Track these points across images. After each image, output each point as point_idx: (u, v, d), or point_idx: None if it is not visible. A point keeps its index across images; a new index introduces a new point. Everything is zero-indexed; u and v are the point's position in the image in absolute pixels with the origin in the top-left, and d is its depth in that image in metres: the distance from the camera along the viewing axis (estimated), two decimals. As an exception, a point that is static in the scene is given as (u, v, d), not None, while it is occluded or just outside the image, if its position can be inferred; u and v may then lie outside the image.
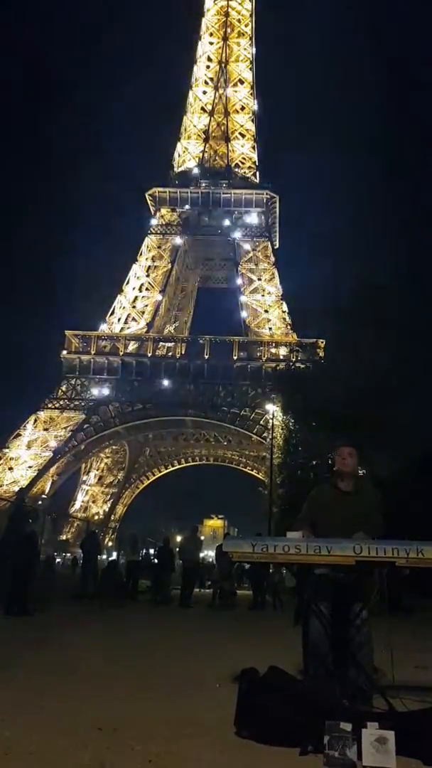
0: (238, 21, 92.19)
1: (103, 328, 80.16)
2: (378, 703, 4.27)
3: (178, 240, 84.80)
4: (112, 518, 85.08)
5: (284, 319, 78.61)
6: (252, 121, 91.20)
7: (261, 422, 66.34)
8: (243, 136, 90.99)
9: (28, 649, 7.29)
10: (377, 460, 18.24)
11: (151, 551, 30.78)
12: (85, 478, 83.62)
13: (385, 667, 4.93)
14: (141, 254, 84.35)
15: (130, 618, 12.89)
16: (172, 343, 79.83)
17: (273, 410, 33.05)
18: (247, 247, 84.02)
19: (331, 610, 4.67)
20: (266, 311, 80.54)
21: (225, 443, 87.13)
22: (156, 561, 20.93)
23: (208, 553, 45.37)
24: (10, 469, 72.38)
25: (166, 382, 74.68)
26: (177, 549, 19.70)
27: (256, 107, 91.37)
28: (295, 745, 3.53)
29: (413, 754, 3.41)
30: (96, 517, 77.73)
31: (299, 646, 5.24)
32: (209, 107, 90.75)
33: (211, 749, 3.57)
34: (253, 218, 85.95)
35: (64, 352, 77.77)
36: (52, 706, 4.49)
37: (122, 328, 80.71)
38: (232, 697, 4.14)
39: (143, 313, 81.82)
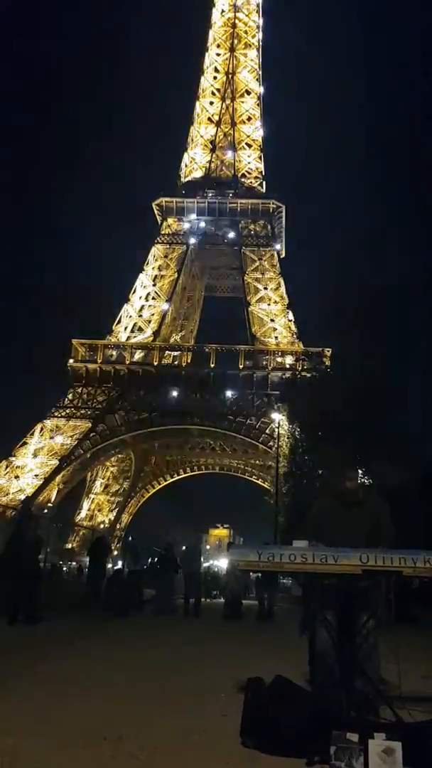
0: (245, 32, 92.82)
1: (110, 337, 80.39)
2: (385, 713, 4.23)
3: (184, 249, 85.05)
4: (118, 527, 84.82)
5: (290, 328, 78.66)
6: (258, 131, 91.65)
7: (267, 431, 66.21)
8: (249, 146, 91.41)
9: (33, 657, 7.27)
10: (383, 469, 18.18)
11: (156, 560, 30.61)
12: (90, 486, 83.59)
13: (392, 678, 4.89)
14: (147, 263, 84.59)
15: (134, 627, 12.83)
16: (178, 352, 79.83)
17: (279, 419, 33.00)
18: (253, 256, 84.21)
19: (338, 620, 4.64)
20: (272, 320, 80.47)
21: (231, 452, 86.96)
22: (160, 569, 20.80)
23: (213, 563, 45.24)
24: (16, 477, 72.38)
25: (172, 391, 74.67)
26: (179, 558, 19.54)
27: (262, 118, 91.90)
28: (301, 756, 3.50)
29: (420, 766, 3.38)
30: (102, 526, 77.54)
31: (306, 656, 5.22)
32: (216, 118, 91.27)
33: (216, 759, 3.55)
34: (259, 227, 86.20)
35: (71, 360, 77.89)
36: (57, 714, 4.47)
37: (128, 337, 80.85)
38: (237, 706, 4.11)
39: (149, 321, 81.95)
